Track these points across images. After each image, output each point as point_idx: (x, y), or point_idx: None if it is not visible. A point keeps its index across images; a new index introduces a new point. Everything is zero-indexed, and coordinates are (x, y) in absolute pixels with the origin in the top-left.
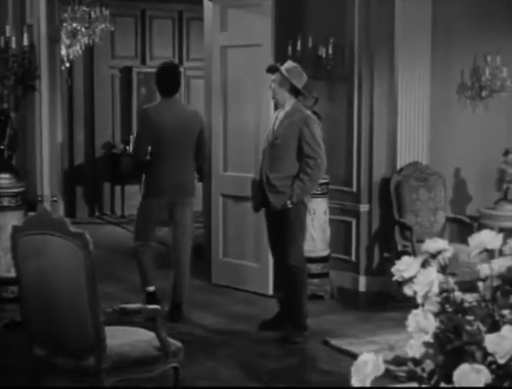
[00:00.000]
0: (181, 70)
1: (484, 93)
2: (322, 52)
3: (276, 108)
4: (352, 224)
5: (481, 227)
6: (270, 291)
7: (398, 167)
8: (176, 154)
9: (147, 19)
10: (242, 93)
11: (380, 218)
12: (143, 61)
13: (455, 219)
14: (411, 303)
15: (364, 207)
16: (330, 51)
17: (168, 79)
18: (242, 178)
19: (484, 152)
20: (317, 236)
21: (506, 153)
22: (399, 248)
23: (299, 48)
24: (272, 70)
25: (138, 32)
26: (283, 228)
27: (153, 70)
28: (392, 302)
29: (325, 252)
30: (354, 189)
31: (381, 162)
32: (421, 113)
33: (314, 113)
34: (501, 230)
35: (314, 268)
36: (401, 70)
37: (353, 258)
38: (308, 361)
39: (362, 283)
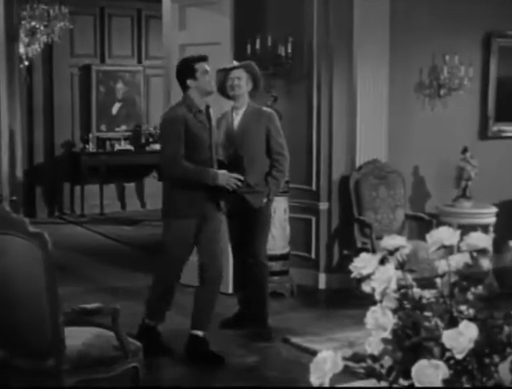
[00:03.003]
0: (194, 65)
1: (442, 92)
2: (282, 51)
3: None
4: (311, 222)
5: (440, 224)
6: (230, 289)
7: (358, 165)
8: None
9: (105, 17)
10: None
11: (339, 216)
12: (103, 60)
13: (414, 216)
14: (370, 300)
15: (323, 205)
16: (290, 50)
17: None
18: None
19: (442, 150)
20: (277, 234)
21: (464, 151)
22: (359, 245)
23: (258, 46)
24: (243, 67)
25: (97, 31)
26: (253, 227)
27: (112, 68)
28: (352, 299)
29: (285, 250)
30: (313, 187)
31: (341, 160)
32: (380, 112)
33: (275, 111)
34: (459, 227)
35: (274, 266)
36: (360, 69)
37: (313, 255)
38: (268, 358)
39: (322, 280)
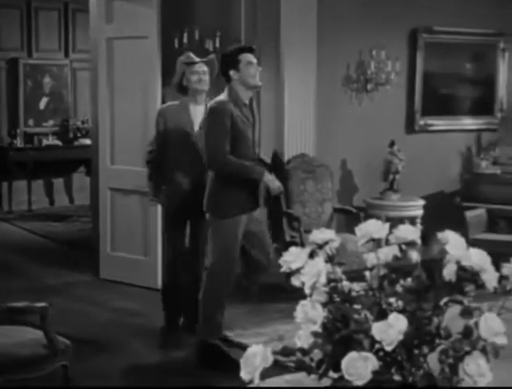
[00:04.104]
0: (238, 56)
1: (369, 86)
2: (209, 45)
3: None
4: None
5: (368, 217)
6: (159, 284)
7: (286, 159)
8: None
9: (32, 10)
10: (129, 85)
11: (268, 209)
12: (30, 54)
13: (342, 209)
14: (300, 294)
15: None
16: (218, 44)
17: None
18: (130, 171)
19: (370, 144)
20: None
21: (392, 144)
22: (287, 239)
23: (185, 40)
24: (209, 61)
25: (23, 24)
26: (205, 228)
27: (39, 62)
28: (282, 293)
29: None
30: None
31: (269, 154)
32: (308, 106)
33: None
34: (387, 219)
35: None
36: (287, 64)
37: None
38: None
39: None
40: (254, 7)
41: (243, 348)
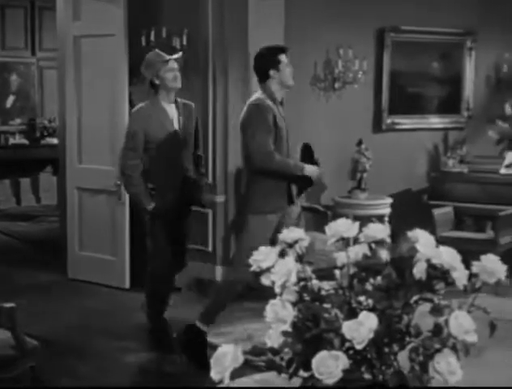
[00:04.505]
0: (278, 56)
1: (337, 85)
2: (177, 42)
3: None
4: (208, 216)
5: (336, 215)
6: (128, 284)
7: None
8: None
9: None
10: (97, 83)
11: (236, 208)
12: None
13: (310, 208)
14: (269, 293)
15: (220, 198)
16: (185, 42)
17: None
18: (98, 170)
19: (337, 143)
20: None
21: (359, 143)
22: None
23: (153, 38)
24: (178, 59)
25: None
26: (187, 225)
27: (6, 59)
28: (250, 292)
29: None
30: (210, 180)
31: (236, 153)
32: None
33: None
34: (355, 218)
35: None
36: None
37: (210, 248)
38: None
39: (219, 273)
40: (221, 5)
41: (211, 347)
